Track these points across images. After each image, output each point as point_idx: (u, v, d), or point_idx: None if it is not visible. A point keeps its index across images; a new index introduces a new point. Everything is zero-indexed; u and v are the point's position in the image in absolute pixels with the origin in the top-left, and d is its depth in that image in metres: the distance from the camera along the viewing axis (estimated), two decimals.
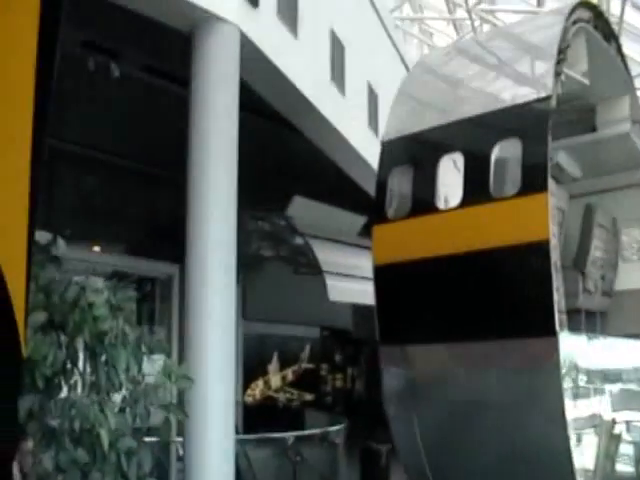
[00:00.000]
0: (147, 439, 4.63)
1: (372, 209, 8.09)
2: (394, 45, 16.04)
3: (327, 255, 14.64)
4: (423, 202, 7.23)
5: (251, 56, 7.92)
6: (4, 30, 2.50)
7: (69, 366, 4.12)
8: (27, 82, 2.54)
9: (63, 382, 4.12)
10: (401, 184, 7.60)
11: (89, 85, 8.98)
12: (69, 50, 8.01)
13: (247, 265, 13.43)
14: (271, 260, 16.19)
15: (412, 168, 7.50)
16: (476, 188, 6.76)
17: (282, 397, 19.37)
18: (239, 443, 9.34)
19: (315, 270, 14.44)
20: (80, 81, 8.60)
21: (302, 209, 14.24)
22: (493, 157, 6.72)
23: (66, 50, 7.97)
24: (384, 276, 7.39)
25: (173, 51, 8.15)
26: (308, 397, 19.89)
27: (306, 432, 13.25)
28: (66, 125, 9.30)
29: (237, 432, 9.09)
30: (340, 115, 11.34)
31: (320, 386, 20.96)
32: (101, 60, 8.50)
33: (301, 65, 9.75)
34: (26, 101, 2.56)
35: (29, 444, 3.87)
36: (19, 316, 2.53)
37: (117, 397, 4.36)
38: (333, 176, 12.89)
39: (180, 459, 8.21)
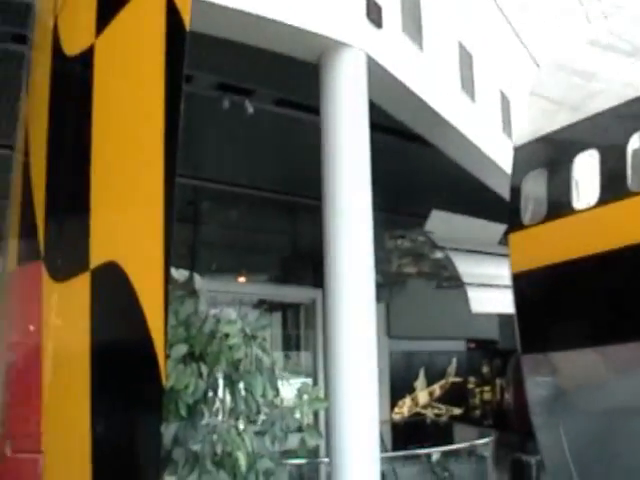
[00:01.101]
0: (292, 461, 4.67)
1: (507, 216, 7.86)
2: (524, 45, 15.57)
3: (468, 267, 14.35)
4: (559, 204, 6.94)
5: (379, 77, 7.90)
6: (135, 87, 2.59)
7: (210, 394, 4.25)
8: (157, 132, 2.63)
9: (204, 409, 4.25)
10: (536, 188, 7.33)
11: (225, 124, 9.24)
12: (205, 93, 8.29)
13: (390, 283, 13.34)
14: (413, 276, 16.05)
15: (546, 170, 7.22)
16: (613, 183, 6.41)
17: (430, 413, 19.13)
18: (387, 461, 9.24)
19: (457, 283, 14.18)
20: (216, 121, 8.87)
21: (440, 222, 14.04)
22: (630, 149, 6.35)
23: (202, 93, 8.25)
24: (522, 283, 7.15)
25: (302, 82, 8.25)
26: (456, 411, 19.54)
27: (453, 447, 12.97)
28: (205, 164, 9.59)
29: (386, 450, 9.02)
30: (472, 124, 11.12)
31: (468, 400, 20.54)
32: (235, 99, 8.73)
33: (429, 78, 9.64)
34: (157, 148, 2.66)
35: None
36: (159, 350, 2.64)
37: (257, 420, 4.44)
38: (469, 186, 12.66)
39: None
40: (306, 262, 10.49)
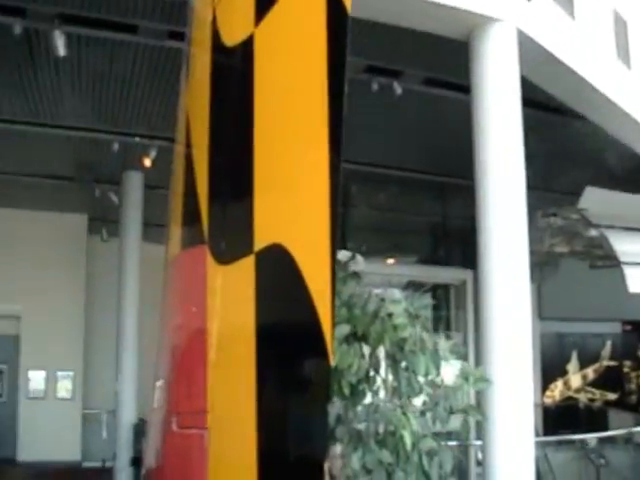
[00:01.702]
0: (447, 443, 4.64)
1: None
2: None
3: (625, 245, 13.72)
4: None
5: (530, 51, 7.71)
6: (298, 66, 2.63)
7: (372, 374, 4.28)
8: (321, 117, 2.66)
9: (367, 389, 4.28)
10: None
11: (373, 106, 9.28)
12: (354, 76, 8.35)
13: (541, 264, 12.99)
14: (565, 256, 15.55)
15: None
16: None
17: (583, 397, 18.53)
18: (539, 446, 9.02)
19: (612, 262, 13.60)
20: (364, 103, 8.92)
21: (595, 199, 13.49)
22: None
23: (351, 76, 8.30)
24: None
25: (451, 60, 8.15)
26: (611, 397, 18.80)
27: (610, 433, 12.47)
28: (355, 147, 9.68)
29: (537, 434, 8.80)
30: (629, 96, 10.57)
31: (623, 384, 19.68)
32: (383, 81, 8.75)
33: (582, 49, 9.25)
34: (321, 132, 2.69)
35: (337, 448, 4.05)
36: (326, 329, 2.68)
37: (417, 401, 4.43)
38: (627, 160, 12.09)
39: (479, 464, 8.13)
40: (456, 243, 10.38)
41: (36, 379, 17.68)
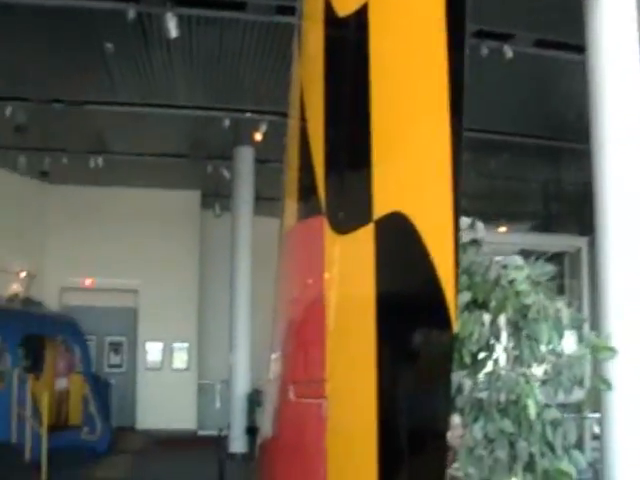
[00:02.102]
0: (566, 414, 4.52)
1: None
2: None
3: None
4: None
5: None
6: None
7: (492, 342, 4.21)
8: (441, 77, 2.63)
9: (487, 357, 4.22)
10: None
11: (484, 71, 9.09)
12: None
13: None
14: None
15: None
16: None
17: None
18: None
19: None
20: (474, 68, 8.72)
21: None
22: None
23: None
24: None
25: (563, 20, 7.87)
26: None
27: None
28: (466, 112, 9.48)
29: None
30: None
31: None
32: (493, 45, 8.55)
33: None
34: (442, 98, 2.66)
35: (456, 418, 4.02)
36: (449, 297, 2.66)
37: (538, 370, 4.34)
38: None
39: (595, 437, 7.90)
40: (570, 210, 10.07)
41: (153, 350, 18.39)
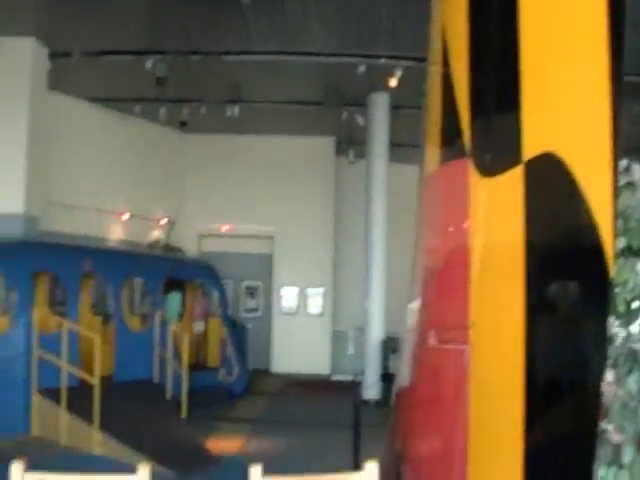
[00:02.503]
0: None
1: None
2: None
3: None
4: None
5: None
6: None
7: None
8: (599, 17, 2.47)
9: None
10: None
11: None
12: None
13: None
14: None
15: None
16: None
17: None
18: None
19: None
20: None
21: None
22: None
23: None
24: None
25: None
26: None
27: None
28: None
29: None
30: None
31: None
32: None
33: None
34: (600, 33, 2.51)
35: (609, 371, 3.86)
36: (607, 242, 2.57)
37: None
38: None
39: None
40: None
41: (288, 295, 18.81)
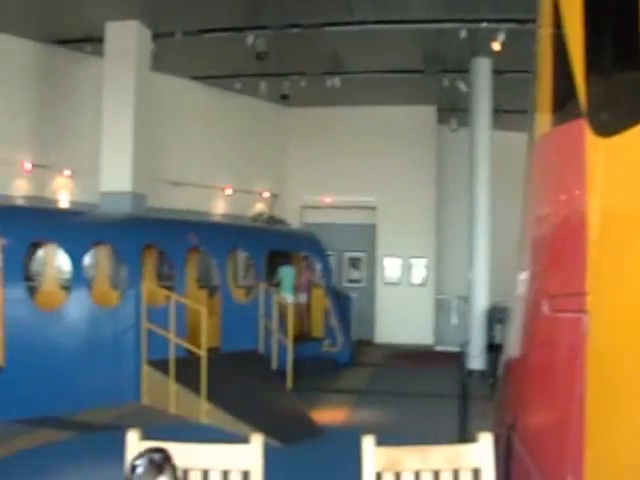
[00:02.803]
0: None
1: None
2: None
3: None
4: None
5: None
6: None
7: None
8: None
9: None
10: None
11: None
12: None
13: None
14: None
15: None
16: None
17: None
18: None
19: None
20: None
21: None
22: None
23: None
24: None
25: None
26: None
27: None
28: None
29: None
30: None
31: None
32: None
33: None
34: None
35: None
36: None
37: None
38: None
39: None
40: None
41: (391, 266, 18.69)
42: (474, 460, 2.92)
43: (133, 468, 2.29)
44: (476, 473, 2.91)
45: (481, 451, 2.93)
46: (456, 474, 2.90)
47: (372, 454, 2.90)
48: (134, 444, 2.72)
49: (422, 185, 18.31)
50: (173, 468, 2.35)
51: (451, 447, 3.10)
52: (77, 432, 8.74)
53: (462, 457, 2.93)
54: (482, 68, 14.03)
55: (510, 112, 15.26)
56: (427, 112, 18.24)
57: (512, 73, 13.71)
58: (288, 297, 14.13)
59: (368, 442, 2.93)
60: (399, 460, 2.92)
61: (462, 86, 14.71)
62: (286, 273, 14.53)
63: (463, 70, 14.47)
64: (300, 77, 15.68)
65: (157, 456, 2.31)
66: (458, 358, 12.81)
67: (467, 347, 13.81)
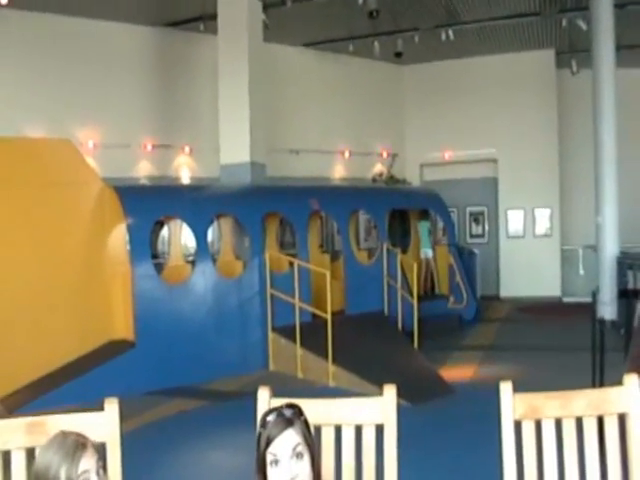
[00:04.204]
0: None
1: None
2: None
3: None
4: None
5: None
6: None
7: None
8: None
9: None
10: None
11: None
12: None
13: None
14: None
15: None
16: None
17: None
18: None
19: None
20: None
21: None
22: None
23: None
24: None
25: None
26: None
27: None
28: None
29: None
30: None
31: None
32: None
33: None
34: None
35: None
36: None
37: None
38: None
39: None
40: None
41: (514, 218, 17.91)
42: (620, 405, 2.55)
43: (264, 422, 2.19)
44: (622, 419, 2.54)
45: (628, 395, 2.54)
46: (600, 421, 2.55)
47: (510, 401, 2.60)
48: (265, 402, 2.58)
49: (543, 134, 17.28)
50: (306, 423, 2.22)
51: (595, 391, 2.74)
52: (209, 401, 8.79)
53: (607, 402, 2.56)
54: (602, 2, 12.84)
55: (635, 47, 14.04)
56: (545, 56, 17.10)
57: (636, 4, 12.53)
58: (428, 252, 13.83)
59: (506, 388, 2.62)
60: (539, 407, 2.60)
61: (582, 24, 13.60)
62: (423, 227, 14.18)
63: (582, 8, 13.38)
64: (413, 33, 15.08)
65: (288, 411, 2.20)
66: (588, 309, 12.06)
67: (596, 296, 13.00)
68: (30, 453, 2.26)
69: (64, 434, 2.10)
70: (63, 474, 1.99)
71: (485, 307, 15.27)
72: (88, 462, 2.04)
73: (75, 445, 2.04)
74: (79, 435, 2.10)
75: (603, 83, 12.89)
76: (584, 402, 2.62)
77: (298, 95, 16.00)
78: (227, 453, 6.75)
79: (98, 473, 2.06)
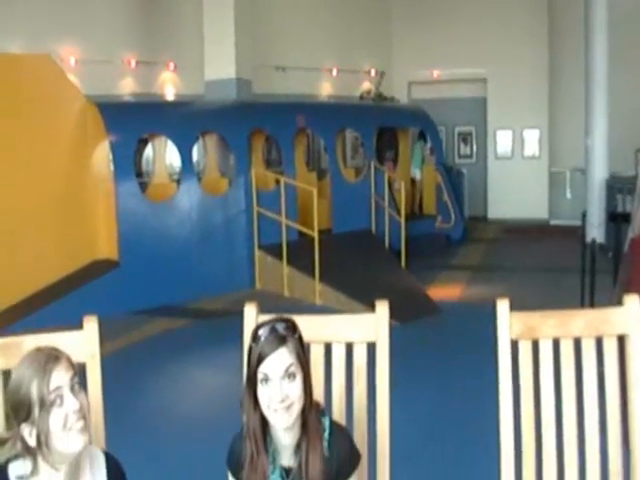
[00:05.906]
0: None
1: None
2: None
3: None
4: None
5: None
6: None
7: None
8: None
9: None
10: None
11: None
12: None
13: None
14: None
15: None
16: None
17: None
18: None
19: None
20: None
21: None
22: None
23: None
24: None
25: None
26: None
27: None
28: None
29: None
30: None
31: None
32: None
33: None
34: None
35: None
36: None
37: None
38: None
39: None
40: None
41: (503, 139, 17.68)
42: (620, 326, 2.47)
43: (255, 336, 2.05)
44: (621, 340, 2.47)
45: (628, 315, 2.46)
46: (599, 342, 2.48)
47: (507, 318, 2.50)
48: (252, 318, 2.48)
49: (533, 53, 16.84)
50: (300, 341, 2.09)
51: (593, 311, 2.71)
52: (193, 319, 8.75)
53: (606, 322, 2.49)
54: None
55: None
56: None
57: None
58: (416, 173, 13.65)
59: (503, 306, 2.52)
60: (536, 326, 2.52)
61: None
62: (416, 148, 13.99)
63: None
64: None
65: (281, 326, 2.06)
66: (574, 232, 12.01)
67: (583, 219, 12.94)
68: (6, 375, 2.13)
69: (38, 349, 1.96)
70: (35, 390, 1.85)
71: (473, 228, 15.22)
72: (61, 377, 1.89)
73: (47, 358, 1.90)
74: (53, 349, 1.96)
75: (595, 2, 12.50)
76: (582, 322, 2.53)
77: (286, 11, 15.44)
78: (213, 371, 6.74)
79: (73, 389, 1.91)
